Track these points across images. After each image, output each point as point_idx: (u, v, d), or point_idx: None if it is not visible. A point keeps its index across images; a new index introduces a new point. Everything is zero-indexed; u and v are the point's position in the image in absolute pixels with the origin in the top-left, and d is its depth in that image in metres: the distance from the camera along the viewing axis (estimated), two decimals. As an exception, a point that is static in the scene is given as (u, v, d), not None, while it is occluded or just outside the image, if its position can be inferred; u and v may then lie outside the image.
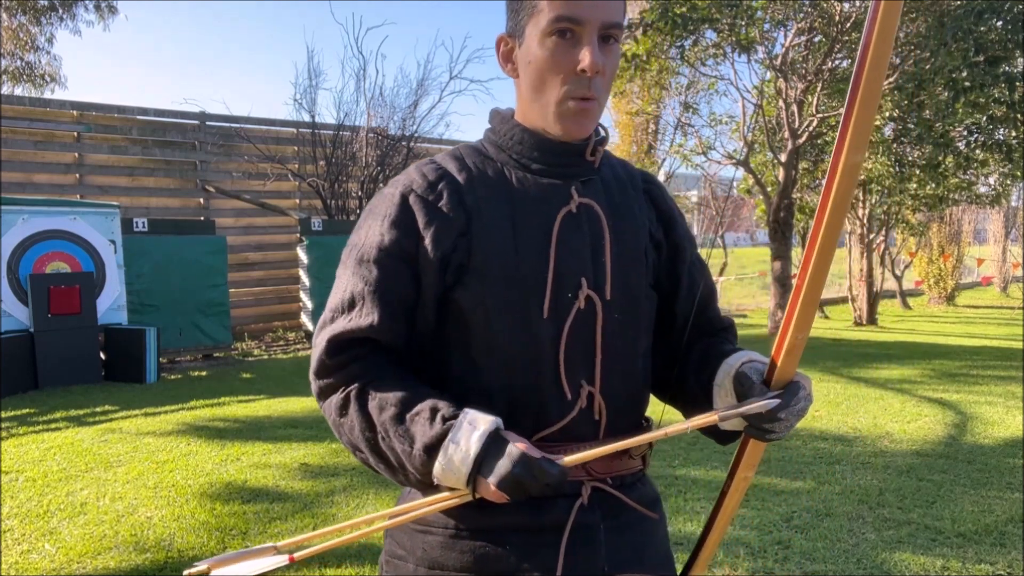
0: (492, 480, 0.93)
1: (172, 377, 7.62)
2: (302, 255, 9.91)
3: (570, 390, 1.04)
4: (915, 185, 10.91)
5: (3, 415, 5.72)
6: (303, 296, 10.13)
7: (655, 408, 1.22)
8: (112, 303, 7.60)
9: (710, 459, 4.38)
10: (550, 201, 1.07)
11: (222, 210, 10.49)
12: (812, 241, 0.90)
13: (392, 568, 1.10)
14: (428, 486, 1.01)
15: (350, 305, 1.04)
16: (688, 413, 1.16)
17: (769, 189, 10.91)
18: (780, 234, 10.56)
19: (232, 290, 9.48)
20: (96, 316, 7.28)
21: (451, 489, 0.99)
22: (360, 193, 11.11)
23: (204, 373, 7.90)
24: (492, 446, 0.95)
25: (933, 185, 10.65)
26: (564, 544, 1.02)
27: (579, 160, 1.09)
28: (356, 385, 1.03)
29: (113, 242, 7.69)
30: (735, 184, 14.77)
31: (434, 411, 0.98)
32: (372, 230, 1.06)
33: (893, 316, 13.90)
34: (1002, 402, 5.96)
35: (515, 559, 1.02)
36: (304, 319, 10.23)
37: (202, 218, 10.03)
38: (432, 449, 0.97)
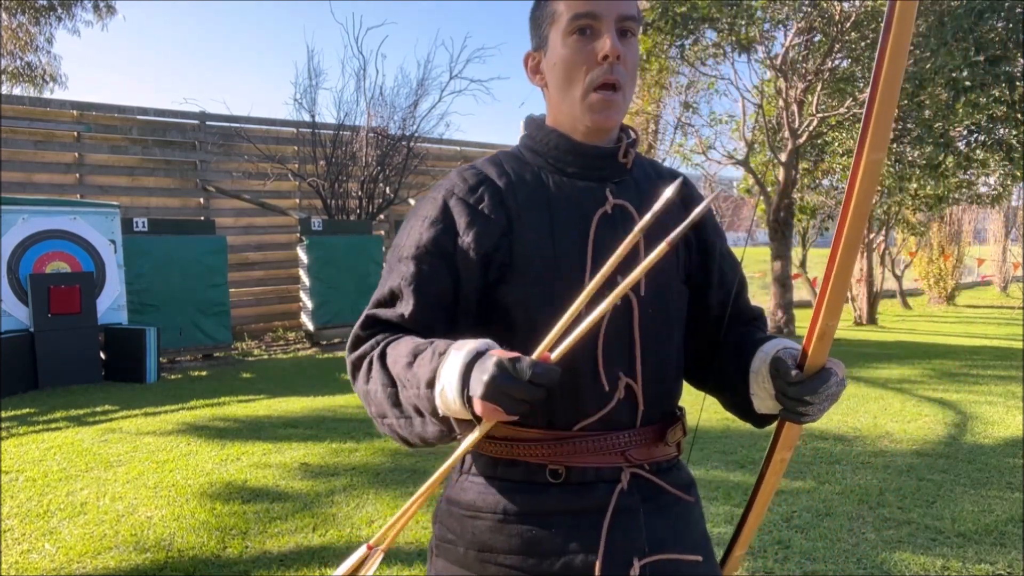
0: (477, 394, 0.91)
1: (172, 377, 7.62)
2: (302, 255, 9.90)
3: (607, 382, 1.09)
4: (915, 185, 10.90)
5: (3, 415, 5.72)
6: (303, 296, 10.13)
7: (692, 398, 1.24)
8: (112, 303, 7.60)
9: (710, 459, 4.38)
10: (586, 203, 1.12)
11: (222, 210, 10.49)
12: (839, 232, 0.95)
13: (443, 552, 1.14)
14: (449, 431, 1.01)
15: (389, 298, 1.12)
16: (727, 401, 1.22)
17: (769, 189, 10.91)
18: (780, 234, 10.55)
19: (232, 290, 9.47)
20: (96, 316, 7.28)
21: (466, 425, 0.98)
22: (360, 193, 11.09)
23: (204, 373, 7.90)
24: (474, 363, 0.94)
25: (933, 185, 10.65)
26: (606, 525, 1.07)
27: (612, 163, 1.15)
28: (379, 349, 1.09)
29: (113, 242, 7.68)
30: (735, 184, 14.75)
31: (435, 350, 1.00)
32: (413, 230, 1.13)
33: (893, 316, 13.90)
34: (1002, 402, 5.96)
35: (560, 540, 1.07)
36: (304, 319, 10.23)
37: (202, 218, 10.03)
38: (432, 383, 0.98)
